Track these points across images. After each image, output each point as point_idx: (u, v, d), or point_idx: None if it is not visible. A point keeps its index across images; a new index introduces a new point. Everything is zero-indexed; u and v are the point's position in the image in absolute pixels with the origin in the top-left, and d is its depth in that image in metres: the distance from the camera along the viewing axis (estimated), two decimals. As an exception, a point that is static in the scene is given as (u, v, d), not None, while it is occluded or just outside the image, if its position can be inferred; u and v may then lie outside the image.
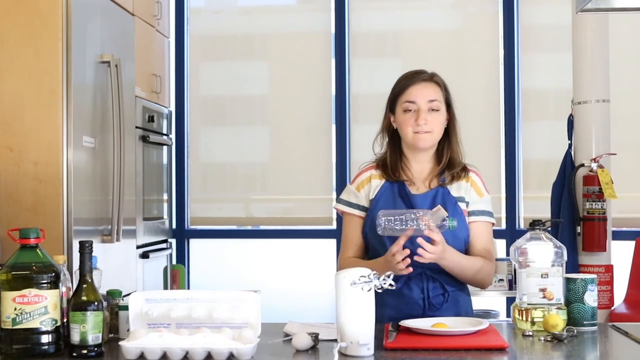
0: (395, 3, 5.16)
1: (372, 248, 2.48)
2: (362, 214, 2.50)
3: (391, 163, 2.51)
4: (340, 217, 4.88)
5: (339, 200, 2.58)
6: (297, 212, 5.19)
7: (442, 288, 2.44)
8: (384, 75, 5.09)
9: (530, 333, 2.16)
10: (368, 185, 2.51)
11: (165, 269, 4.86)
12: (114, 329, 2.14)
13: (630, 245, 4.45)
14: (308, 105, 5.15)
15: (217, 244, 5.30)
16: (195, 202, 5.25)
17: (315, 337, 1.97)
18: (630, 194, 4.67)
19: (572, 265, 3.91)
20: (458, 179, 2.50)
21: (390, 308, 2.38)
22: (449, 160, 2.50)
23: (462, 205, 2.47)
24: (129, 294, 2.08)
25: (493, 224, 2.54)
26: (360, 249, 2.51)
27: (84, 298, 1.93)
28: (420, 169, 2.52)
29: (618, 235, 4.38)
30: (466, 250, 2.50)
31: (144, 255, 4.43)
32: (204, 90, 5.31)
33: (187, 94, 5.23)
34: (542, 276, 2.25)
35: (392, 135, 2.55)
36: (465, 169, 2.52)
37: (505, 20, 4.94)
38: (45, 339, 1.92)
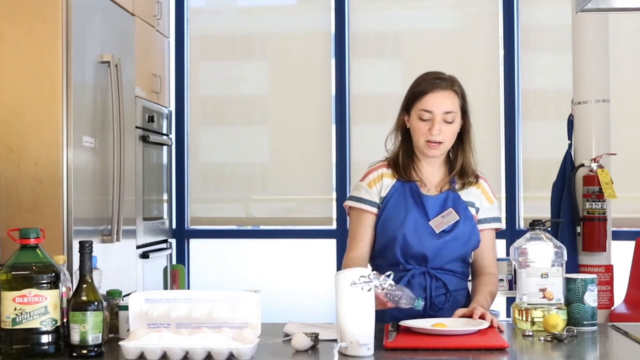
0: (395, 3, 5.16)
1: (380, 247, 2.48)
2: (374, 210, 2.49)
3: (403, 163, 2.51)
4: (344, 218, 4.87)
5: (349, 197, 2.57)
6: (297, 212, 5.19)
7: (444, 288, 2.44)
8: (384, 75, 5.13)
9: (530, 333, 2.16)
10: (380, 183, 2.51)
11: (165, 269, 4.86)
12: (114, 329, 2.14)
13: (630, 245, 4.45)
14: (308, 105, 5.15)
15: (217, 244, 5.30)
16: (195, 202, 5.24)
17: (315, 337, 1.97)
18: (630, 194, 4.67)
19: (572, 265, 3.91)
20: (469, 186, 2.52)
21: (391, 307, 2.38)
22: (461, 168, 2.51)
23: (472, 210, 2.49)
24: (129, 294, 2.08)
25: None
26: (367, 245, 2.49)
27: (84, 298, 1.93)
28: (431, 171, 2.52)
29: (618, 235, 4.37)
30: (474, 256, 2.53)
31: (144, 255, 4.43)
32: (204, 90, 5.31)
33: (187, 94, 5.23)
34: (542, 276, 2.25)
35: (405, 135, 2.54)
36: (475, 175, 2.53)
37: (505, 20, 4.94)
38: (45, 339, 1.91)
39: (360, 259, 2.46)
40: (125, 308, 2.08)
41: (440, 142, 2.44)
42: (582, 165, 4.11)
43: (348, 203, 2.55)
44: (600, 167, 4.05)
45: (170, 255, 4.98)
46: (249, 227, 5.31)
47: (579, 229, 4.07)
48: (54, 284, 1.94)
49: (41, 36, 3.44)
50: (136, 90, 4.31)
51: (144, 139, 4.48)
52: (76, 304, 1.93)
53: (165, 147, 4.93)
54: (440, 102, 2.43)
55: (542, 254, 2.28)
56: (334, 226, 5.04)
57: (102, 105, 3.79)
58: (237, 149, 5.24)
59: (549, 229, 2.39)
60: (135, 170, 4.28)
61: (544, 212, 4.29)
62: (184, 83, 5.23)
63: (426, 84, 2.46)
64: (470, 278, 2.57)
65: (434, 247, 2.43)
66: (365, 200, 2.50)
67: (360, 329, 1.89)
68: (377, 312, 1.97)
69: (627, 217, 4.75)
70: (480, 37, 5.04)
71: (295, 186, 5.16)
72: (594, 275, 2.28)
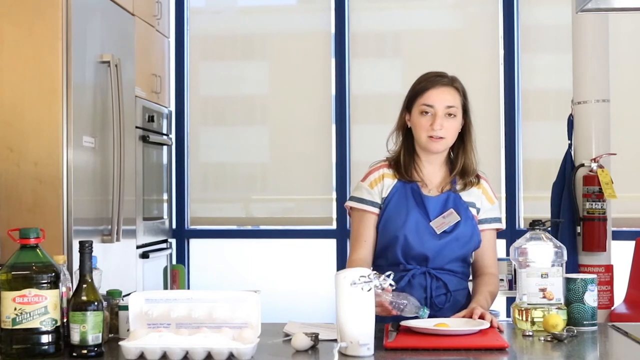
0: (395, 3, 5.16)
1: (381, 247, 2.48)
2: (376, 210, 2.49)
3: (404, 163, 2.51)
4: (344, 218, 4.86)
5: (350, 197, 2.57)
6: (297, 212, 5.19)
7: (444, 288, 2.45)
8: (384, 75, 5.13)
9: (530, 333, 2.16)
10: (381, 183, 2.50)
11: (165, 269, 4.86)
12: (114, 329, 2.14)
13: (630, 245, 4.45)
14: (308, 105, 5.15)
15: (217, 244, 5.30)
16: (195, 202, 5.24)
17: (315, 337, 1.97)
18: (630, 194, 4.67)
19: (572, 265, 3.91)
20: (470, 186, 2.52)
21: (392, 307, 2.38)
22: (462, 168, 2.51)
23: (472, 210, 2.49)
24: (129, 294, 2.08)
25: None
26: (371, 246, 2.49)
27: (84, 298, 1.93)
28: (432, 171, 2.52)
29: (618, 235, 4.37)
30: (475, 256, 2.53)
31: (144, 255, 4.43)
32: (204, 90, 5.31)
33: (187, 94, 5.23)
34: (542, 276, 2.25)
35: (406, 135, 2.54)
36: (476, 175, 2.53)
37: (505, 20, 4.94)
38: (45, 339, 1.91)
39: (365, 261, 2.46)
40: (125, 308, 2.08)
41: (442, 137, 2.44)
42: (582, 165, 4.11)
43: (349, 204, 2.55)
44: (600, 167, 4.05)
45: (170, 255, 4.98)
46: (249, 227, 5.31)
47: (579, 229, 4.07)
48: (54, 284, 1.94)
49: (41, 36, 3.44)
50: (136, 90, 4.31)
51: (144, 139, 4.48)
52: (76, 304, 1.93)
53: (165, 147, 4.93)
54: (441, 97, 2.44)
55: (542, 254, 2.27)
56: (334, 226, 5.04)
57: (102, 105, 3.79)
58: (237, 149, 5.24)
59: (549, 229, 2.39)
60: (135, 170, 4.28)
61: (544, 212, 4.29)
62: (184, 83, 5.23)
63: (427, 82, 2.47)
64: (470, 278, 2.58)
65: (435, 247, 2.43)
66: (366, 201, 2.50)
67: (360, 329, 1.89)
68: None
69: (627, 217, 4.75)
70: (480, 37, 5.04)
71: (295, 186, 5.16)
72: (594, 275, 2.28)
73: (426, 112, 2.44)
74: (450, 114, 2.43)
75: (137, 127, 4.36)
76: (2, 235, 3.06)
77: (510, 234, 4.72)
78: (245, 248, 5.26)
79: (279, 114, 5.22)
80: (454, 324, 2.17)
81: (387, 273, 2.00)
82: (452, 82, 2.48)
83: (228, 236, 5.29)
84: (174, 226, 5.16)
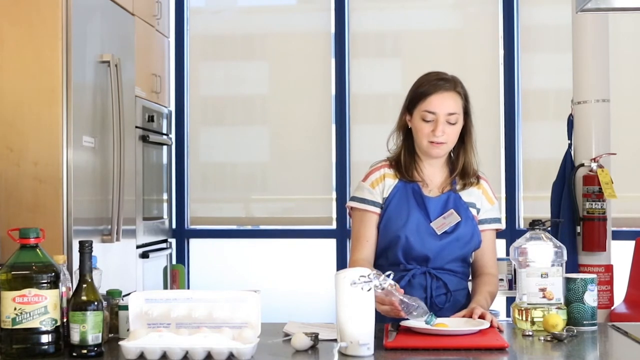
0: (395, 3, 5.16)
1: (382, 247, 2.48)
2: (377, 210, 2.49)
3: (405, 163, 2.50)
4: (344, 218, 4.86)
5: (351, 198, 2.56)
6: (297, 212, 5.19)
7: (445, 288, 2.45)
8: (384, 75, 5.13)
9: (530, 333, 2.16)
10: (382, 183, 2.50)
11: (165, 268, 4.86)
12: (114, 329, 2.14)
13: (630, 245, 4.45)
14: (308, 105, 5.15)
15: (217, 244, 5.30)
16: (195, 202, 5.24)
17: (315, 337, 1.97)
18: (630, 194, 4.67)
19: (572, 265, 3.91)
20: (470, 186, 2.52)
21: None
22: (462, 168, 2.51)
23: (473, 211, 2.49)
24: (129, 294, 2.08)
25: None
26: (372, 246, 2.49)
27: (84, 298, 1.93)
28: (432, 171, 2.52)
29: (618, 235, 4.37)
30: (475, 256, 2.53)
31: (144, 255, 4.43)
32: (204, 90, 5.31)
33: (187, 94, 5.23)
34: (542, 276, 2.25)
35: (407, 135, 2.53)
36: (476, 176, 2.53)
37: (505, 20, 4.94)
38: (45, 338, 1.91)
39: (367, 261, 2.45)
40: (125, 308, 2.08)
41: (443, 142, 2.44)
42: (582, 165, 4.11)
43: (351, 204, 2.54)
44: (600, 167, 4.05)
45: (170, 255, 4.98)
46: (249, 227, 5.31)
47: (579, 229, 4.07)
48: (54, 283, 1.94)
49: (41, 36, 3.44)
50: (136, 90, 4.31)
51: (144, 138, 4.48)
52: (76, 304, 1.93)
53: (165, 147, 4.93)
54: (443, 104, 2.42)
55: (542, 254, 2.28)
56: (334, 226, 5.04)
57: (102, 105, 3.79)
58: (237, 149, 5.24)
59: (549, 228, 2.39)
60: (135, 170, 4.28)
61: (544, 212, 4.29)
62: (184, 83, 5.23)
63: (429, 85, 2.45)
64: (470, 278, 2.58)
65: (436, 248, 2.43)
66: (368, 201, 2.50)
67: (360, 329, 1.90)
68: (377, 312, 1.96)
69: (627, 217, 4.75)
70: (480, 37, 5.04)
71: (295, 186, 5.16)
72: (594, 275, 2.28)
73: (428, 119, 2.43)
74: (451, 122, 2.43)
75: (137, 127, 4.36)
76: (2, 235, 3.06)
77: (510, 234, 4.72)
78: (245, 248, 5.26)
79: (279, 114, 5.22)
80: (453, 323, 2.18)
81: (387, 273, 2.00)
82: (454, 86, 2.45)
83: (228, 236, 5.29)
84: (173, 226, 5.16)
